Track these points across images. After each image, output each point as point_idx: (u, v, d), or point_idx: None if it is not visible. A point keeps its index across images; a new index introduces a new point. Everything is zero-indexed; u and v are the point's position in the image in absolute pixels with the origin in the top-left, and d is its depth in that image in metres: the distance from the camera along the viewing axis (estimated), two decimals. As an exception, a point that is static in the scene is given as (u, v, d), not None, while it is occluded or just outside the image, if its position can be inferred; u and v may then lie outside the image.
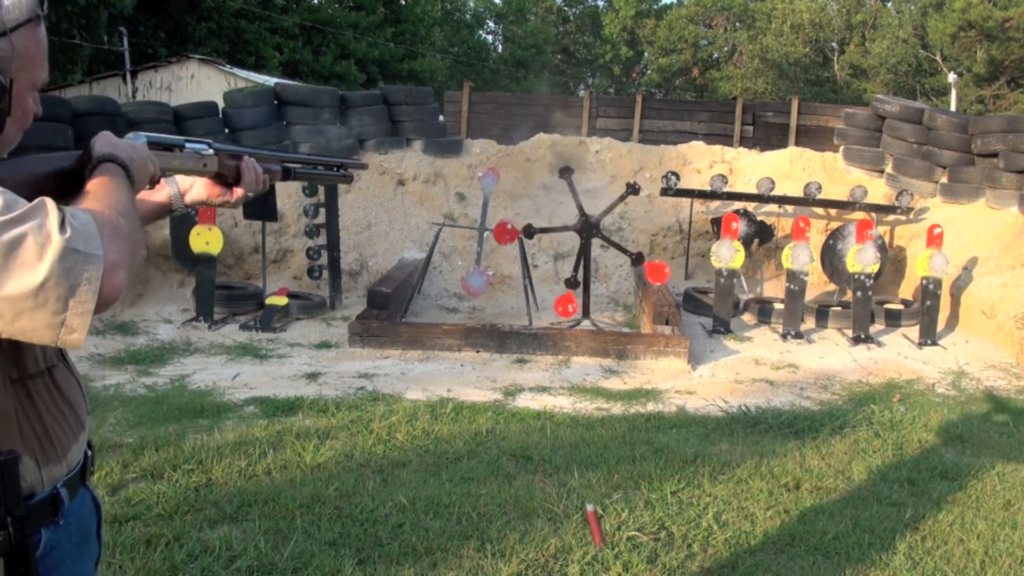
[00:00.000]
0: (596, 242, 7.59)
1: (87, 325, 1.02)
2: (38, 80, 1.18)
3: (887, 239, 8.82)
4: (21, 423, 1.14)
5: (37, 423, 1.16)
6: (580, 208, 7.25)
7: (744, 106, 11.51)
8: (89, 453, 1.33)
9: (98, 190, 1.14)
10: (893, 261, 8.83)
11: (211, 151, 1.44)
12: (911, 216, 8.97)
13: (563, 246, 9.09)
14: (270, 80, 13.90)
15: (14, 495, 1.10)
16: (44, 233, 0.99)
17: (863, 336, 7.02)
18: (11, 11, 1.10)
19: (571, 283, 7.20)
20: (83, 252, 1.01)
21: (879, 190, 9.33)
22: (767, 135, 11.27)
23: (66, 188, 1.18)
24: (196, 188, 1.51)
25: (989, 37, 23.77)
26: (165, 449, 3.78)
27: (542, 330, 6.40)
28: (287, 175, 1.63)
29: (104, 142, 1.22)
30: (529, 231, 7.15)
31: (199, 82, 14.73)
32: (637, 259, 7.14)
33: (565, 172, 7.25)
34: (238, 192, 1.51)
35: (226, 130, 9.24)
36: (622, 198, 7.25)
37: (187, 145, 1.41)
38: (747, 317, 7.78)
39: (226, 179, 1.49)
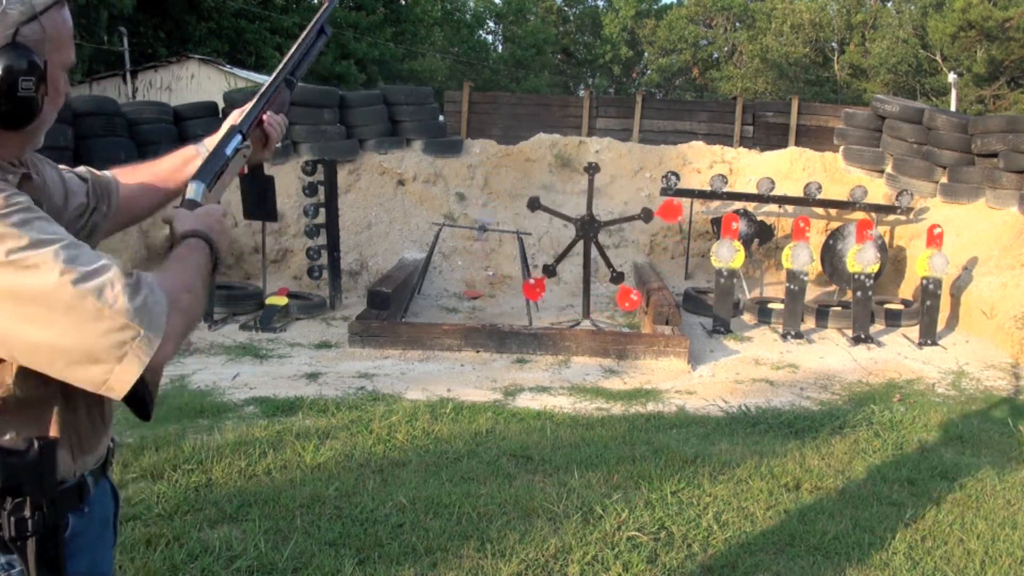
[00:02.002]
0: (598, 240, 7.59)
1: (129, 385, 1.08)
2: (67, 61, 1.22)
3: (887, 239, 8.82)
4: (62, 415, 1.19)
5: (73, 416, 1.22)
6: (590, 207, 7.21)
7: (744, 106, 11.51)
8: (111, 445, 1.38)
9: (178, 264, 1.22)
10: (893, 261, 8.83)
11: (246, 142, 1.50)
12: (911, 216, 8.97)
13: (563, 246, 9.06)
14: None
15: (50, 478, 1.16)
16: (107, 298, 1.06)
17: (863, 336, 7.01)
18: None
19: (548, 271, 7.17)
20: (143, 329, 1.07)
21: (879, 190, 9.33)
22: (767, 135, 11.27)
23: None
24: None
25: (989, 37, 23.77)
26: (165, 449, 3.78)
27: (542, 330, 6.40)
28: (292, 87, 1.66)
29: (183, 220, 1.30)
30: (533, 204, 7.12)
31: (199, 82, 14.73)
32: (617, 278, 7.11)
33: (591, 168, 7.19)
34: (270, 150, 1.59)
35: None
36: (632, 218, 7.24)
37: (227, 151, 1.45)
38: (747, 317, 7.78)
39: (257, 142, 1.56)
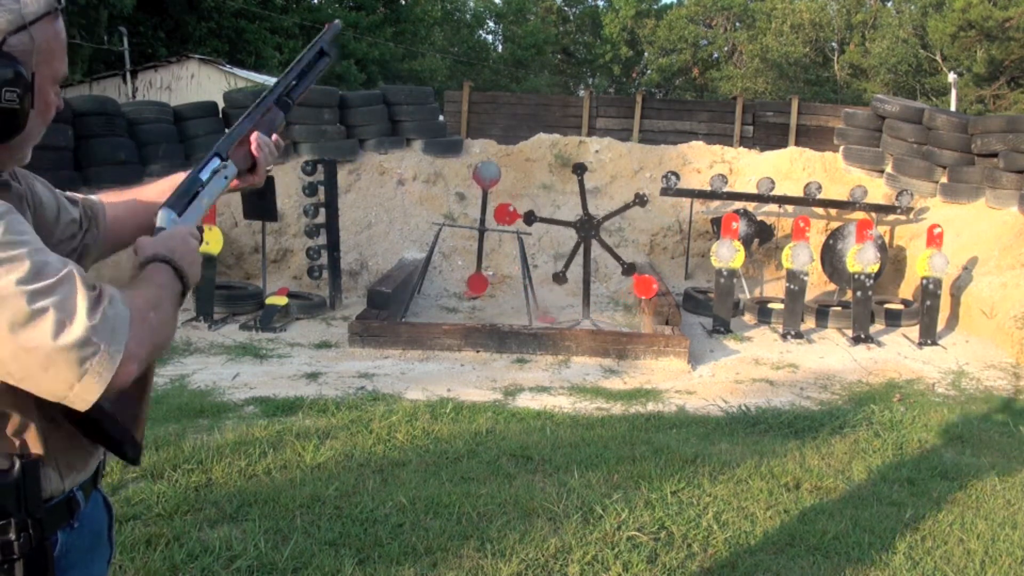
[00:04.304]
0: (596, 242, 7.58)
1: (91, 402, 1.05)
2: (58, 73, 1.18)
3: (887, 239, 8.82)
4: (44, 432, 1.15)
5: (57, 432, 1.17)
6: (584, 207, 7.24)
7: (744, 106, 11.51)
8: (102, 457, 1.34)
9: (142, 284, 1.17)
10: (893, 261, 8.83)
11: (228, 163, 1.44)
12: (911, 216, 8.97)
13: (563, 246, 9.08)
14: (270, 80, 13.89)
15: (35, 498, 1.12)
16: (68, 311, 1.01)
17: (863, 336, 7.01)
18: (29, 4, 1.10)
19: (559, 278, 7.18)
20: (103, 345, 1.03)
21: (879, 190, 9.33)
22: (767, 135, 11.28)
23: None
24: None
25: (989, 37, 23.76)
26: (165, 449, 3.78)
27: (542, 330, 6.40)
28: (287, 109, 1.57)
29: (144, 246, 1.25)
30: (529, 218, 7.13)
31: (199, 82, 14.74)
32: (628, 269, 7.12)
33: (578, 169, 7.22)
34: (259, 176, 1.51)
35: (226, 130, 9.24)
36: (628, 206, 7.24)
37: (202, 176, 1.41)
38: (747, 317, 7.78)
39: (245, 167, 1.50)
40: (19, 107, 1.09)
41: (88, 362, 1.01)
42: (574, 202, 9.20)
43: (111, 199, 1.47)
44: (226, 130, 8.94)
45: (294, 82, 1.56)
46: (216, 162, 1.43)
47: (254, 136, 1.48)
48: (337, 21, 1.69)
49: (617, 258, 7.25)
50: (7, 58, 1.07)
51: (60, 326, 1.00)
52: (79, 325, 1.01)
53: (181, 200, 1.36)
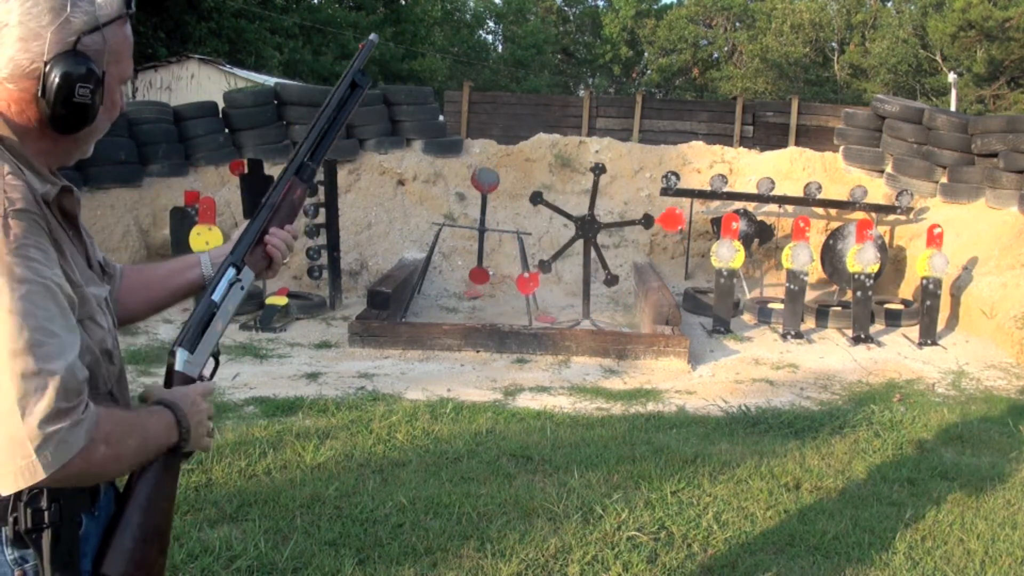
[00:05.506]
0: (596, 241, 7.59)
1: (2, 493, 1.06)
2: (124, 74, 1.25)
3: (887, 239, 8.82)
4: None
5: None
6: (566, 215, 7.29)
7: (744, 106, 11.51)
8: None
9: (130, 416, 1.21)
10: (893, 261, 8.83)
11: (244, 270, 1.41)
12: (911, 216, 8.97)
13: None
14: (270, 80, 13.90)
15: None
16: (24, 407, 1.00)
17: (863, 336, 7.01)
18: (104, 8, 1.17)
19: (611, 282, 7.22)
20: (33, 459, 1.02)
21: (879, 190, 9.33)
22: (767, 135, 11.27)
23: None
24: None
25: (989, 37, 23.77)
26: (165, 449, 3.77)
27: (542, 330, 6.40)
28: (311, 177, 1.51)
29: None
30: (535, 198, 7.20)
31: (199, 82, 14.74)
32: (647, 221, 7.15)
33: (535, 197, 7.27)
34: (274, 270, 1.51)
35: (226, 130, 9.24)
36: (632, 223, 7.29)
37: (215, 297, 1.37)
38: (747, 317, 7.77)
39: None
40: (90, 103, 1.15)
41: (11, 463, 1.02)
42: (574, 202, 9.21)
43: (128, 271, 1.50)
44: (226, 130, 8.73)
45: (318, 140, 1.51)
46: (231, 273, 1.41)
47: (268, 236, 1.46)
48: (373, 36, 1.59)
49: (629, 222, 7.36)
50: (82, 56, 1.14)
51: (8, 415, 1.00)
52: (28, 425, 1.01)
53: (195, 333, 1.35)
